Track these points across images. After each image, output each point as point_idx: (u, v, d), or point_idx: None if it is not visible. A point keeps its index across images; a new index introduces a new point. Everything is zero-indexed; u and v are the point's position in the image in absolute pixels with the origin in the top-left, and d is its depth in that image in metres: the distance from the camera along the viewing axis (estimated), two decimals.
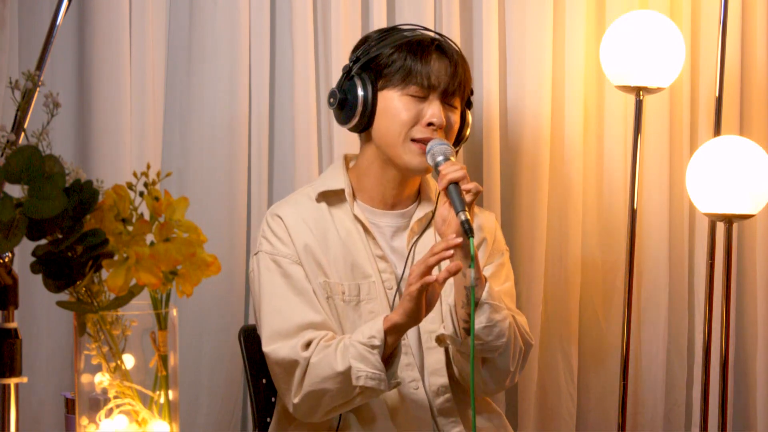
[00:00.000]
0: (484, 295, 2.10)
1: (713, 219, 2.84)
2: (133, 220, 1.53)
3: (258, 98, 2.68)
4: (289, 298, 2.18)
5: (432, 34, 2.24)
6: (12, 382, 1.49)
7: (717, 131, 2.95)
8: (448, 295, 2.19)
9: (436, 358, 2.22)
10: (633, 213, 2.85)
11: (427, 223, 2.27)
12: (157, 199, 1.54)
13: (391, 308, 2.20)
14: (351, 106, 2.21)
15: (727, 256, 2.86)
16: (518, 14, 2.88)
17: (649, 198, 3.00)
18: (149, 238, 1.53)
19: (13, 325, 1.50)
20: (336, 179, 2.26)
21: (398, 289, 2.22)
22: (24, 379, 1.51)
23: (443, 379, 2.21)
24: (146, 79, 2.60)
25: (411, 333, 2.21)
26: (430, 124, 2.17)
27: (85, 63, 2.57)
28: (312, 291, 2.19)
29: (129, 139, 2.58)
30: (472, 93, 2.29)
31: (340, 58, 2.70)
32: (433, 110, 2.17)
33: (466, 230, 2.02)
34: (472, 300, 2.03)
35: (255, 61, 2.67)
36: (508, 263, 2.33)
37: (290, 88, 2.70)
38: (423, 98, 2.18)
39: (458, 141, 2.26)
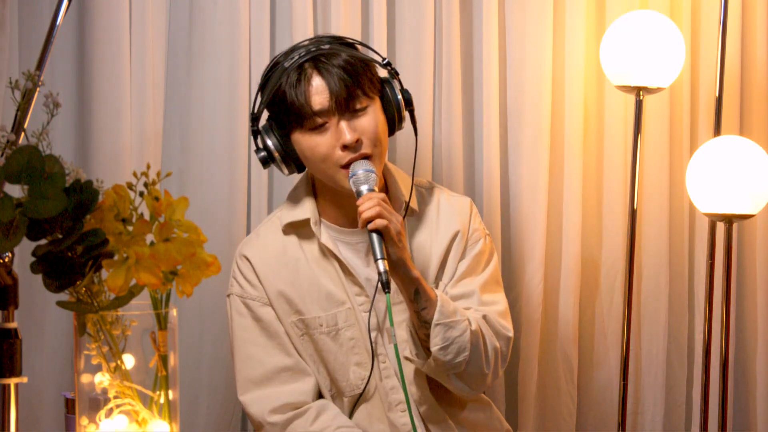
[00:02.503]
0: (437, 315, 2.07)
1: (713, 219, 2.84)
2: (133, 220, 1.53)
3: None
4: (260, 343, 2.18)
5: (312, 50, 2.11)
6: (12, 382, 1.50)
7: (717, 131, 2.95)
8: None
9: (413, 367, 2.19)
10: (633, 213, 2.85)
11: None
12: (157, 199, 1.54)
13: (369, 331, 2.17)
14: (275, 161, 2.17)
15: (727, 256, 2.86)
16: (518, 14, 2.88)
17: (649, 198, 3.00)
18: (149, 238, 1.53)
19: (13, 325, 1.50)
20: (301, 207, 2.21)
21: (371, 308, 2.18)
22: (24, 379, 1.51)
23: (424, 388, 2.20)
24: (146, 79, 2.60)
25: (390, 349, 2.19)
26: (345, 147, 2.09)
27: (85, 63, 2.57)
28: (284, 332, 2.18)
29: (129, 139, 2.58)
30: (389, 64, 2.17)
31: None
32: (340, 132, 2.09)
33: (383, 283, 1.96)
34: (398, 364, 1.95)
35: (255, 61, 2.67)
36: (487, 249, 2.27)
37: None
38: (324, 125, 2.10)
39: (399, 118, 2.17)
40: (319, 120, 2.09)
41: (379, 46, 2.72)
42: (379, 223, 2.00)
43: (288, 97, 2.09)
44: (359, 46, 2.19)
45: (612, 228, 2.98)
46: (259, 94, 2.17)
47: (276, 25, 2.71)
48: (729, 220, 2.77)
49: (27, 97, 1.58)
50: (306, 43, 2.15)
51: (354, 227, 2.21)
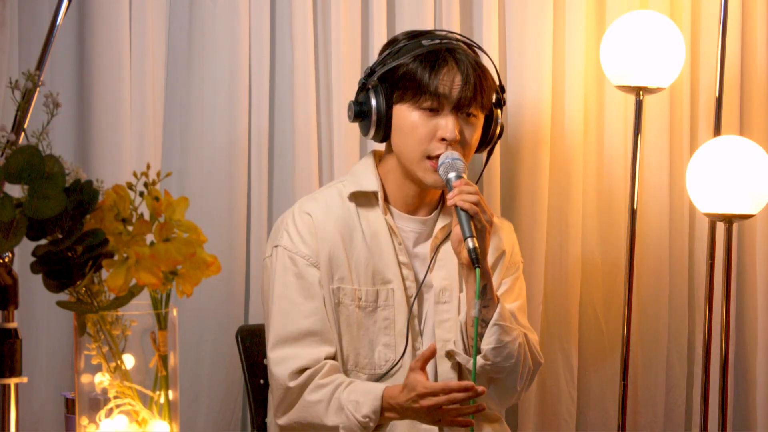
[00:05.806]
0: (495, 316, 2.11)
1: (713, 219, 2.84)
2: (133, 220, 1.53)
3: (258, 98, 2.68)
4: (297, 302, 2.17)
5: (453, 43, 2.18)
6: (12, 382, 1.49)
7: (717, 131, 2.95)
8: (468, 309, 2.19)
9: (448, 367, 2.21)
10: (633, 213, 2.85)
11: (449, 231, 2.24)
12: (157, 199, 1.54)
13: (410, 314, 2.19)
14: (367, 119, 2.20)
15: (727, 256, 2.86)
16: (518, 14, 2.88)
17: (649, 198, 3.00)
18: (149, 238, 1.53)
19: (13, 325, 1.50)
20: (368, 179, 2.23)
21: (417, 294, 2.21)
22: (24, 379, 1.51)
23: None
24: (146, 79, 2.60)
25: (425, 342, 2.21)
26: (443, 139, 2.14)
27: (85, 63, 2.57)
28: (323, 297, 2.18)
29: (129, 139, 2.58)
30: (503, 91, 2.26)
31: (340, 58, 2.70)
32: (447, 124, 2.14)
33: (473, 260, 2.03)
34: (475, 332, 2.03)
35: (255, 62, 2.67)
36: (522, 277, 2.32)
37: (290, 88, 2.70)
38: (436, 111, 2.15)
39: (489, 141, 2.25)
40: (436, 103, 2.14)
41: (378, 45, 2.72)
42: (472, 209, 2.06)
43: (418, 69, 2.14)
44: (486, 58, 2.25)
45: (612, 228, 2.98)
46: (384, 55, 2.21)
47: (276, 25, 2.71)
48: (729, 220, 2.77)
49: (27, 97, 1.58)
50: (441, 33, 2.22)
51: (408, 214, 2.24)
